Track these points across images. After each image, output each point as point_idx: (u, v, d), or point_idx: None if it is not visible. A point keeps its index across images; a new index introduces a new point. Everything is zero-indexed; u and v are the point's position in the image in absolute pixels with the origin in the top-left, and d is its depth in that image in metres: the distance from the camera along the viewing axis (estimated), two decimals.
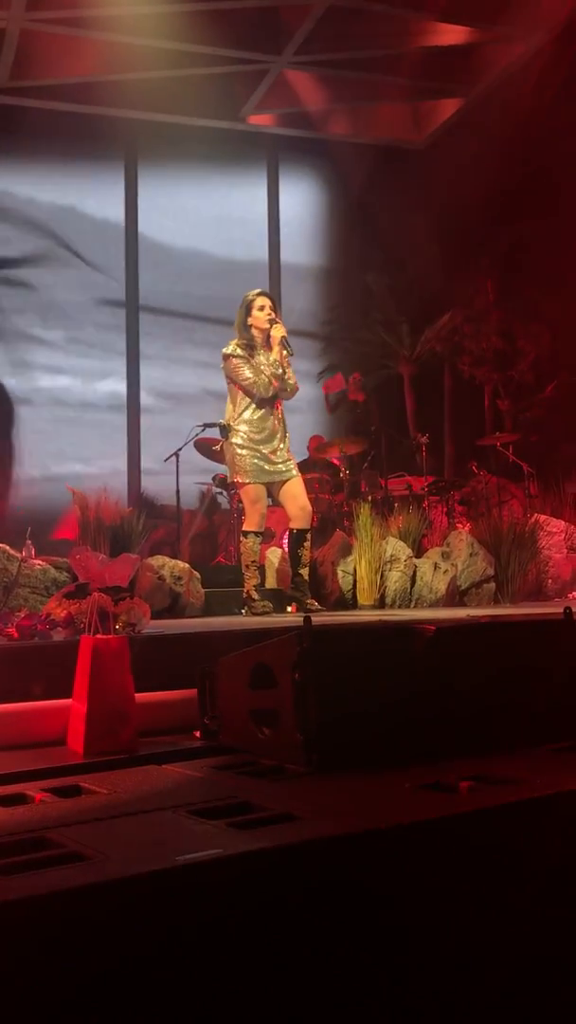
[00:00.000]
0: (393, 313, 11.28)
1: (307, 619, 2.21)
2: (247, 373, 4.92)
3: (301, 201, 11.50)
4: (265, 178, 11.33)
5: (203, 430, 7.64)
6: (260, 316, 4.99)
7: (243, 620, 4.70)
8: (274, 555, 6.22)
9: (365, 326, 11.34)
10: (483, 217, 9.81)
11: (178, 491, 7.68)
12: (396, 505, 6.87)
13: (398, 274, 11.20)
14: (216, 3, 8.74)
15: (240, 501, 7.79)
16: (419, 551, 6.13)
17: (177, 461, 7.61)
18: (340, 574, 5.81)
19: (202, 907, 1.38)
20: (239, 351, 4.95)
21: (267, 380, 4.91)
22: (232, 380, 5.00)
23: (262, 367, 4.94)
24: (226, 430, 5.04)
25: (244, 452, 4.94)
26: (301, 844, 1.52)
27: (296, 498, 4.99)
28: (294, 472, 5.03)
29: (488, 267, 10.91)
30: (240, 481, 5.01)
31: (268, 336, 4.99)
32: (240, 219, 11.00)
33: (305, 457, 8.22)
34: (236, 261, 10.74)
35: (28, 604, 4.29)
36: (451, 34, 9.51)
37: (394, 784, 1.91)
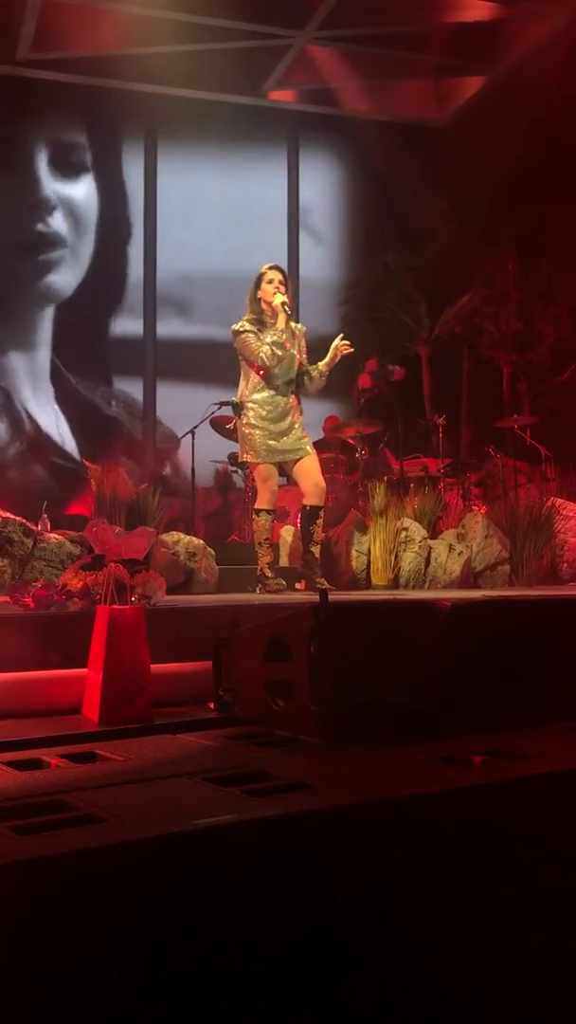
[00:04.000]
0: (412, 293, 11.20)
1: (323, 592, 2.21)
2: (254, 347, 4.87)
3: (321, 178, 11.42)
4: (285, 154, 11.25)
5: (219, 408, 7.63)
6: (268, 289, 4.92)
7: (257, 596, 4.71)
8: (288, 533, 6.22)
9: (383, 306, 11.26)
10: (504, 197, 9.71)
11: (193, 469, 7.68)
12: (412, 486, 6.85)
13: (417, 254, 11.11)
14: None
15: (254, 480, 7.81)
16: (434, 532, 6.12)
17: (193, 439, 7.61)
18: (354, 554, 5.81)
19: (217, 871, 1.39)
20: (248, 326, 4.91)
21: (270, 350, 4.84)
22: (241, 355, 4.96)
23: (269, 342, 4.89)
24: (238, 408, 5.02)
25: (255, 431, 4.91)
26: (316, 811, 1.53)
27: (310, 475, 4.97)
28: (308, 449, 5.00)
29: (509, 247, 10.81)
30: (250, 460, 5.00)
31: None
32: (259, 196, 10.93)
33: (320, 437, 8.20)
34: (254, 238, 10.68)
35: (44, 577, 4.31)
36: (476, 10, 9.39)
37: (408, 757, 1.91)
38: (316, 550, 5.00)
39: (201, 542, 5.38)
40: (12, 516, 4.78)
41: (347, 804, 1.57)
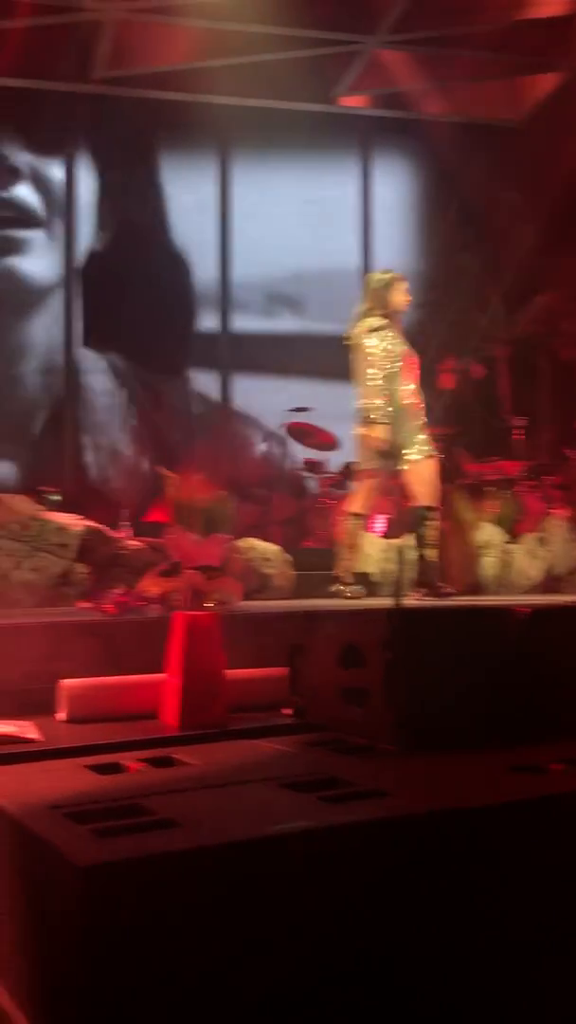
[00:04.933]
0: (488, 294, 11.07)
1: (398, 599, 2.20)
2: (380, 351, 4.80)
3: (394, 182, 11.37)
4: (358, 160, 11.25)
5: (295, 414, 7.66)
6: (401, 299, 4.91)
7: (333, 601, 4.70)
8: (367, 540, 6.19)
9: (459, 308, 11.15)
10: None
11: (269, 475, 7.73)
12: (490, 490, 6.75)
13: (493, 254, 10.98)
14: None
15: (333, 486, 7.80)
16: (513, 537, 6.03)
17: (268, 445, 7.66)
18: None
19: (292, 877, 1.40)
20: (376, 325, 4.84)
21: (397, 355, 4.82)
22: (364, 359, 4.84)
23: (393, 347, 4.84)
24: (359, 413, 4.90)
25: (371, 436, 4.83)
26: (393, 819, 1.52)
27: (421, 475, 4.87)
28: (428, 451, 4.90)
29: None
30: (363, 466, 4.95)
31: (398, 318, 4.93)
32: (331, 201, 10.94)
33: None
34: (327, 245, 10.69)
35: (123, 583, 4.38)
36: (551, 6, 9.24)
37: (485, 765, 1.89)
38: (431, 554, 4.88)
39: (276, 548, 5.40)
40: (94, 523, 4.88)
41: (423, 812, 1.56)
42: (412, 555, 4.96)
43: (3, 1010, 1.48)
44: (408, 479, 4.93)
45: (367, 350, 4.83)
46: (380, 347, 4.82)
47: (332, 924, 1.40)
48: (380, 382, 4.83)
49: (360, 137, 11.17)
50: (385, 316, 4.90)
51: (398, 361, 4.83)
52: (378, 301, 4.91)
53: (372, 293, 4.94)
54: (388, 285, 4.92)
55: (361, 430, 4.94)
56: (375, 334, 4.83)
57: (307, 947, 1.38)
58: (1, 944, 1.57)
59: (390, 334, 4.88)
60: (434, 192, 11.31)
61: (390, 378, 4.83)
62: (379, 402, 4.82)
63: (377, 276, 5.03)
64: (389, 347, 4.84)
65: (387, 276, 4.98)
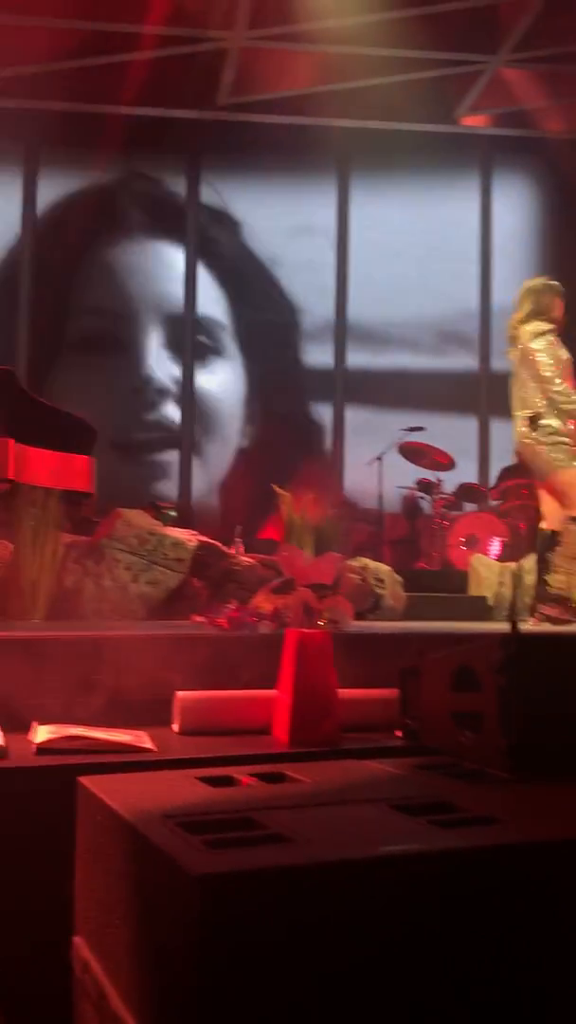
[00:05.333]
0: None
1: (514, 623, 2.16)
2: (549, 356, 4.67)
3: (515, 202, 11.23)
4: (478, 180, 11.16)
5: (409, 434, 7.64)
6: (559, 306, 4.80)
7: (446, 624, 4.64)
8: (479, 562, 6.11)
9: None
10: None
11: (381, 495, 7.72)
12: None
13: None
14: (429, 7, 8.71)
15: (446, 507, 7.71)
16: None
17: (380, 465, 7.65)
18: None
19: (401, 899, 1.39)
20: (543, 329, 4.71)
21: (564, 362, 4.70)
22: (532, 364, 4.70)
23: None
24: (535, 422, 4.70)
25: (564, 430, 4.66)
26: (503, 846, 1.50)
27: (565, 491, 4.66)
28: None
29: None
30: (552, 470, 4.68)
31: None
32: (452, 223, 10.88)
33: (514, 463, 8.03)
34: (447, 265, 10.62)
35: (236, 598, 4.45)
36: None
37: None
38: (550, 579, 4.69)
39: (388, 568, 5.39)
40: (209, 540, 4.98)
41: (536, 840, 1.53)
42: (530, 579, 4.85)
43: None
44: (553, 494, 4.72)
45: (537, 354, 4.66)
46: (549, 352, 4.67)
47: (437, 947, 1.38)
48: (559, 384, 4.62)
49: (481, 156, 11.09)
50: (549, 321, 4.76)
51: (561, 368, 4.68)
52: (540, 307, 4.76)
53: (534, 299, 4.77)
54: (551, 289, 4.78)
55: (537, 434, 4.67)
56: (542, 338, 4.69)
57: (413, 971, 1.37)
58: (114, 948, 1.61)
59: (554, 340, 4.73)
60: (558, 212, 11.12)
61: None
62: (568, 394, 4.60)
63: (541, 282, 4.85)
64: (558, 353, 4.69)
65: (552, 284, 4.83)
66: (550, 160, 10.68)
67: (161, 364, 10.22)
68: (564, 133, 10.51)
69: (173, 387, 10.19)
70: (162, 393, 10.19)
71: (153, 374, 10.15)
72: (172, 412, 10.17)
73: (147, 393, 10.10)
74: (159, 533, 4.80)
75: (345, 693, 2.58)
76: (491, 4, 8.91)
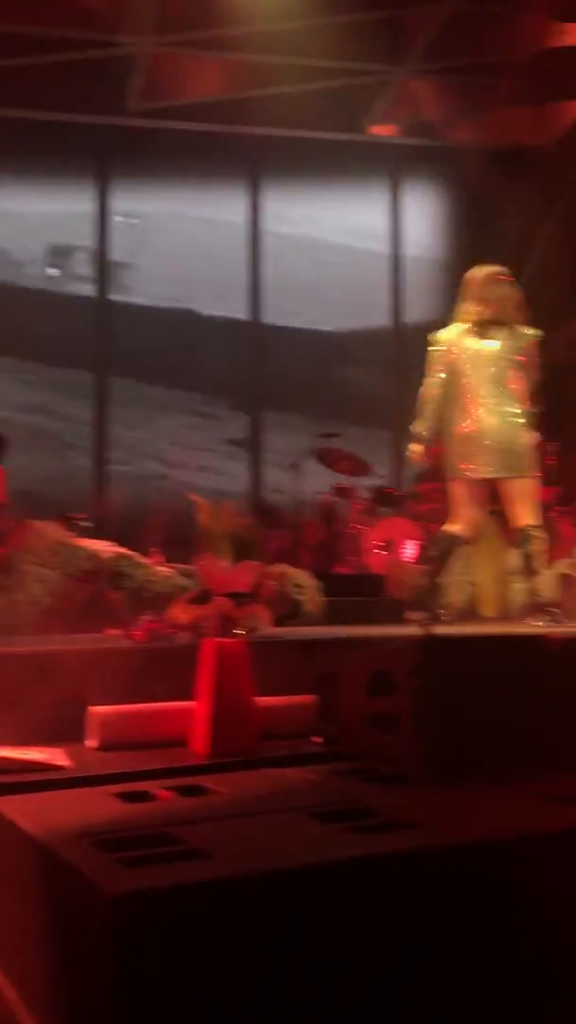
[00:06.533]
0: (520, 321, 11.05)
1: (428, 626, 2.18)
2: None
3: (423, 210, 11.42)
4: (387, 189, 11.31)
5: (325, 440, 7.68)
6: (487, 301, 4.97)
7: (363, 629, 4.66)
8: (396, 566, 6.17)
9: None
10: None
11: (297, 501, 7.74)
12: None
13: (524, 281, 10.96)
14: (336, 17, 8.79)
15: (363, 511, 7.79)
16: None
17: (297, 471, 7.68)
18: (460, 584, 5.72)
19: (320, 908, 1.38)
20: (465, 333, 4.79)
21: None
22: (537, 366, 4.77)
23: None
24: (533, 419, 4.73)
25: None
26: (421, 851, 1.51)
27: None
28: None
29: None
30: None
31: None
32: (363, 231, 11.01)
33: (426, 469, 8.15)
34: (358, 272, 10.73)
35: (153, 610, 4.39)
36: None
37: (517, 796, 1.87)
38: (536, 580, 4.60)
39: (307, 574, 5.39)
40: (124, 550, 4.90)
41: (455, 843, 1.54)
42: (442, 581, 4.90)
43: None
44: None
45: (539, 353, 4.76)
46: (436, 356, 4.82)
47: (360, 955, 1.38)
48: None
49: (390, 166, 11.25)
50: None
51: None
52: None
53: (517, 296, 4.89)
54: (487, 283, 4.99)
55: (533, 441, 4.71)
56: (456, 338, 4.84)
57: (335, 978, 1.36)
58: (28, 973, 1.56)
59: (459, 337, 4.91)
60: (464, 219, 11.35)
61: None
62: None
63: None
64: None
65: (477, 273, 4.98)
66: (457, 169, 10.90)
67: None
68: (470, 143, 10.74)
69: None
70: None
71: None
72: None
73: None
74: (71, 545, 4.71)
75: (263, 701, 2.57)
76: (397, 15, 9.05)
